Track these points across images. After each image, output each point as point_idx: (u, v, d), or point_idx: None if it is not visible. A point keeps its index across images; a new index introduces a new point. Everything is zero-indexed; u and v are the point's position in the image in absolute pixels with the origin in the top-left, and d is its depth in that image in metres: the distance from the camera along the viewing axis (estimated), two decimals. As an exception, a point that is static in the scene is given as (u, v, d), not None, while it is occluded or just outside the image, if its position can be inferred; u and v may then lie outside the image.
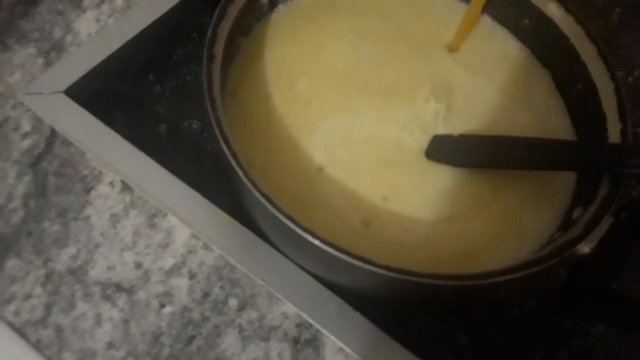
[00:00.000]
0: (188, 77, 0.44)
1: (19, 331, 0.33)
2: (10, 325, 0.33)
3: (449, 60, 0.38)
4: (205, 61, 0.31)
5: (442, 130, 0.35)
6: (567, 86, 0.38)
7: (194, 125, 0.42)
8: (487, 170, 0.34)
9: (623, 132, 0.33)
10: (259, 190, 0.28)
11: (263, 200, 0.27)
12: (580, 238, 0.29)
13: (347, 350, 0.33)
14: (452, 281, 0.26)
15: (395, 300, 0.34)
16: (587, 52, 0.35)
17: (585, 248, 0.29)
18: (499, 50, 0.39)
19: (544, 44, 0.39)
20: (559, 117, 0.38)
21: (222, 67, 0.32)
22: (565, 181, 0.34)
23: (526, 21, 0.39)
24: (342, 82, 0.36)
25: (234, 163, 0.28)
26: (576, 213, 0.32)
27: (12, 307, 0.33)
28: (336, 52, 0.37)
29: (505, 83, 0.38)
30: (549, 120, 0.38)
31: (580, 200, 0.33)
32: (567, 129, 0.37)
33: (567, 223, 0.32)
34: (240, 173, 0.28)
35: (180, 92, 0.44)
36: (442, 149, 0.34)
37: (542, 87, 0.39)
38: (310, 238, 0.27)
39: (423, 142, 0.35)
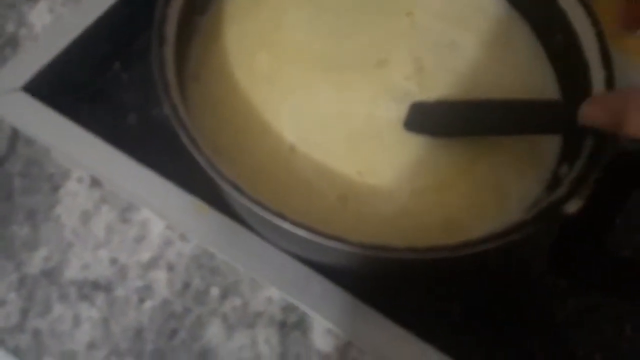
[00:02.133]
0: (156, 62, 0.43)
1: (-5, 339, 0.32)
2: (-14, 334, 0.32)
3: (417, 23, 0.36)
4: (155, 43, 0.29)
5: (416, 97, 0.33)
6: (548, 37, 0.36)
7: (165, 112, 0.41)
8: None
9: (607, 80, 0.31)
10: (222, 176, 0.26)
11: (227, 185, 0.26)
12: (566, 198, 0.28)
13: (336, 330, 0.32)
14: (429, 254, 0.25)
15: (381, 276, 0.33)
16: (566, -3, 0.33)
17: (572, 207, 0.28)
18: (472, 4, 0.37)
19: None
20: (542, 71, 0.36)
21: (178, 48, 0.31)
22: (549, 139, 0.33)
23: (499, -31, 0.37)
24: (303, 56, 0.34)
25: (193, 149, 0.27)
26: (562, 171, 0.31)
27: (-14, 316, 0.33)
28: (296, 24, 0.35)
29: (482, 39, 0.36)
30: (532, 75, 0.36)
31: (566, 158, 0.31)
32: (552, 85, 0.35)
33: (554, 182, 0.31)
34: (201, 159, 0.27)
35: (148, 78, 0.42)
36: (420, 118, 0.32)
37: (522, 41, 0.36)
38: (279, 221, 0.26)
39: (396, 111, 0.33)
